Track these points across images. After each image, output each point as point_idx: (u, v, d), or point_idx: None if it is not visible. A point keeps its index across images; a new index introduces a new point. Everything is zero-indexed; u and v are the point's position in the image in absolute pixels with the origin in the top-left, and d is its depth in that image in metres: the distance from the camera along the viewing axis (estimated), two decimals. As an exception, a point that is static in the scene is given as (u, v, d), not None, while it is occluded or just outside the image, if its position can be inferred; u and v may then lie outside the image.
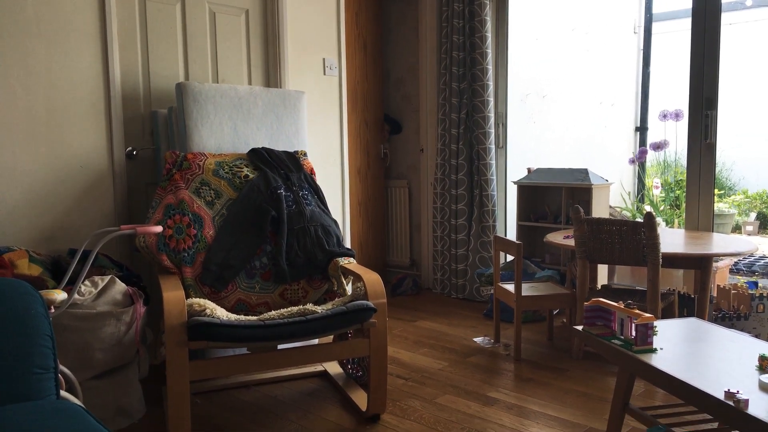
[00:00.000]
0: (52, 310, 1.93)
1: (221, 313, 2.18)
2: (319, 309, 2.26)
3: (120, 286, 2.35)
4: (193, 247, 2.51)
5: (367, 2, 4.47)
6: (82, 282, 2.27)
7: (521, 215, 4.30)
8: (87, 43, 2.78)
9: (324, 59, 3.74)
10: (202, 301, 2.18)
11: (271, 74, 3.52)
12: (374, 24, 4.55)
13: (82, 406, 1.52)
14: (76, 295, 2.21)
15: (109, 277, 2.35)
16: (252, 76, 3.46)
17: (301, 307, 2.26)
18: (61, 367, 1.90)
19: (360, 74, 4.43)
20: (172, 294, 2.14)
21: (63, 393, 1.71)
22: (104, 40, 2.82)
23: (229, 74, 3.37)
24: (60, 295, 1.94)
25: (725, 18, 3.94)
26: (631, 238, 2.78)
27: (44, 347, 1.56)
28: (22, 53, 2.59)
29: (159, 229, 2.22)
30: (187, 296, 2.44)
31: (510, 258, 4.33)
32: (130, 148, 3.01)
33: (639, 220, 2.77)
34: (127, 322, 2.31)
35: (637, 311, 1.88)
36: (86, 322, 2.22)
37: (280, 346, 2.50)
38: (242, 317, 2.19)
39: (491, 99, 4.18)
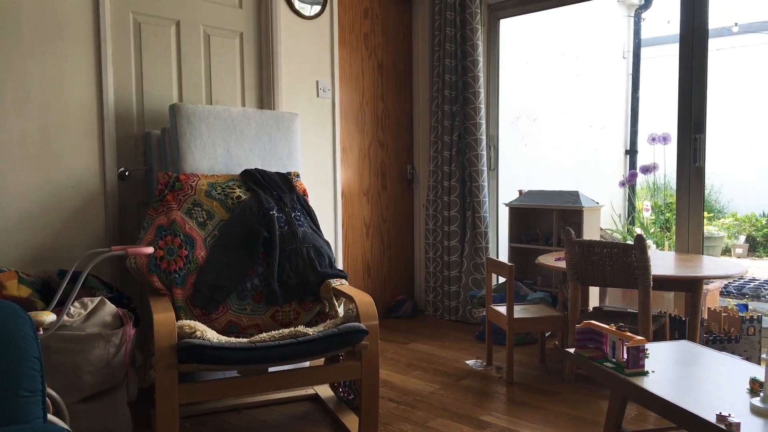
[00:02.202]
0: (41, 332, 1.91)
1: (212, 335, 2.16)
2: (310, 331, 2.25)
3: (110, 308, 2.33)
4: (184, 269, 2.50)
5: (383, 23, 4.44)
6: (72, 303, 2.25)
7: (513, 237, 4.31)
8: (81, 64, 2.79)
9: (317, 81, 3.77)
10: (192, 323, 2.17)
11: (265, 96, 3.54)
12: (393, 44, 4.52)
13: (69, 430, 1.50)
14: (65, 317, 2.19)
15: (99, 298, 2.33)
16: (246, 98, 3.48)
17: (293, 329, 2.25)
18: (49, 390, 1.88)
19: (370, 94, 4.38)
20: (163, 316, 2.12)
21: (50, 416, 1.69)
22: (98, 62, 2.83)
23: (223, 96, 3.39)
24: (49, 317, 1.92)
25: (712, 43, 4.01)
26: (622, 261, 2.79)
27: (32, 369, 1.55)
28: (16, 74, 2.60)
29: (150, 250, 2.21)
30: (178, 318, 2.43)
31: (502, 280, 4.34)
32: (122, 169, 3.01)
33: (630, 242, 2.79)
34: (117, 344, 2.29)
35: (628, 334, 1.89)
36: (75, 344, 2.19)
37: (270, 369, 2.48)
38: (233, 339, 2.18)
39: (483, 122, 4.22)
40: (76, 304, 2.28)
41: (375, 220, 4.46)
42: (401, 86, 4.60)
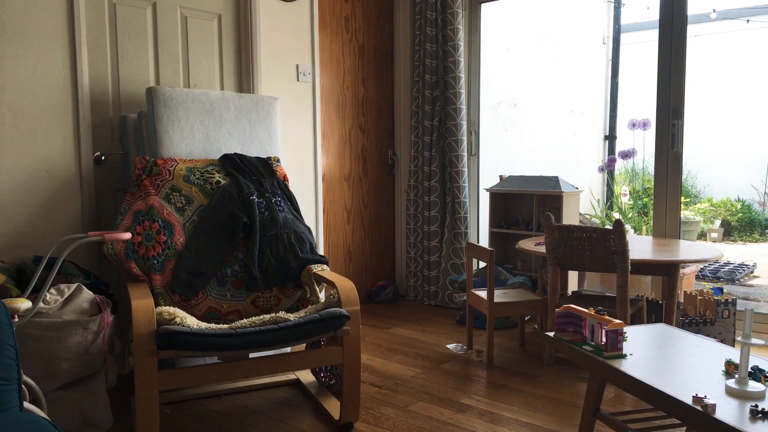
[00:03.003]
0: (16, 320, 1.88)
1: (191, 322, 2.15)
2: (291, 317, 2.24)
3: (87, 294, 2.30)
4: (162, 255, 2.47)
5: (363, 6, 4.41)
6: (48, 290, 2.22)
7: (493, 222, 4.33)
8: (55, 47, 2.72)
9: (297, 65, 3.72)
10: (171, 309, 2.15)
11: (244, 80, 3.50)
12: (374, 28, 4.48)
13: (47, 418, 1.48)
14: (41, 304, 2.16)
15: (76, 285, 2.30)
16: (224, 82, 3.43)
17: (274, 314, 2.24)
18: (25, 378, 1.85)
19: (351, 79, 4.34)
20: (141, 302, 2.10)
21: (27, 405, 1.66)
22: (73, 44, 2.77)
23: (201, 79, 3.33)
24: (24, 304, 1.89)
25: (691, 30, 4.04)
26: (601, 245, 2.82)
27: (7, 358, 1.52)
28: (-13, 55, 2.53)
29: (127, 236, 2.18)
30: (157, 304, 2.40)
31: (482, 265, 4.36)
32: (98, 153, 2.96)
33: (608, 227, 2.82)
34: (95, 330, 2.26)
35: (607, 317, 1.91)
36: (51, 331, 2.16)
37: (251, 355, 2.47)
38: (213, 325, 2.16)
39: (464, 107, 4.22)
40: (53, 290, 2.24)
41: (356, 205, 4.45)
42: (382, 71, 4.57)
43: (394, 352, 3.36)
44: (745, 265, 5.97)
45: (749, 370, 1.67)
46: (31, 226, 2.68)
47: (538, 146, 6.21)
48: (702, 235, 7.50)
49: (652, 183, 3.70)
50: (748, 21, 7.59)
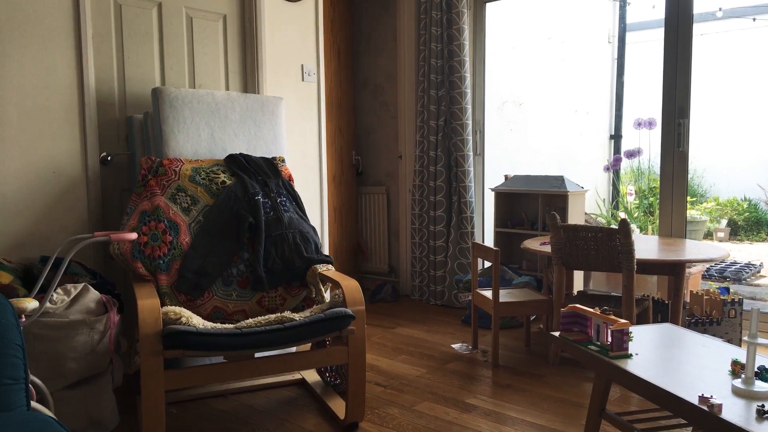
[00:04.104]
0: (23, 319, 1.89)
1: (197, 321, 2.15)
2: (297, 316, 2.25)
3: (93, 294, 2.31)
4: (168, 254, 2.48)
5: (341, 10, 4.48)
6: (54, 290, 2.23)
7: (498, 222, 4.32)
8: (61, 48, 2.73)
9: (302, 65, 3.73)
10: (177, 309, 2.15)
11: (249, 80, 3.50)
12: (347, 31, 4.56)
13: (54, 417, 1.49)
14: (48, 304, 2.17)
15: (82, 284, 2.31)
16: (229, 82, 3.44)
17: (279, 314, 2.24)
18: (32, 378, 1.86)
19: (334, 81, 4.42)
20: (147, 302, 2.10)
21: (34, 404, 1.67)
22: (79, 45, 2.78)
23: (207, 80, 3.34)
24: (31, 304, 1.89)
25: (697, 28, 4.02)
26: (607, 245, 2.81)
27: (15, 357, 1.53)
28: (-6, 57, 2.54)
29: (133, 236, 2.19)
30: (163, 304, 2.41)
31: (488, 264, 4.36)
32: (104, 154, 2.97)
33: (614, 226, 2.81)
34: (101, 330, 2.27)
35: (612, 317, 1.90)
36: (58, 331, 2.17)
37: (257, 355, 2.48)
38: (219, 325, 2.17)
39: (469, 107, 4.21)
40: (59, 290, 2.25)
41: (338, 204, 4.54)
42: (351, 73, 4.65)
43: (399, 352, 3.36)
44: (752, 264, 5.94)
45: (756, 369, 1.67)
46: (37, 227, 2.69)
47: (544, 146, 6.20)
48: (708, 235, 7.47)
49: (658, 182, 3.69)
50: (754, 19, 7.55)
